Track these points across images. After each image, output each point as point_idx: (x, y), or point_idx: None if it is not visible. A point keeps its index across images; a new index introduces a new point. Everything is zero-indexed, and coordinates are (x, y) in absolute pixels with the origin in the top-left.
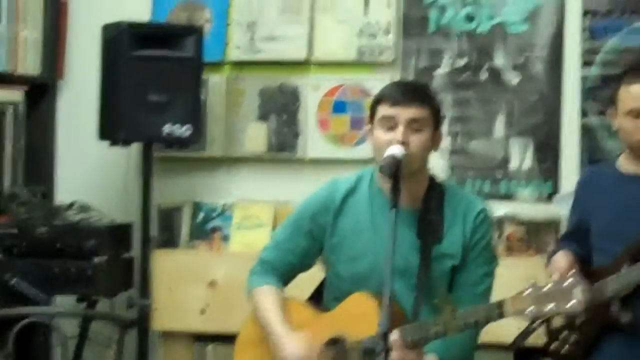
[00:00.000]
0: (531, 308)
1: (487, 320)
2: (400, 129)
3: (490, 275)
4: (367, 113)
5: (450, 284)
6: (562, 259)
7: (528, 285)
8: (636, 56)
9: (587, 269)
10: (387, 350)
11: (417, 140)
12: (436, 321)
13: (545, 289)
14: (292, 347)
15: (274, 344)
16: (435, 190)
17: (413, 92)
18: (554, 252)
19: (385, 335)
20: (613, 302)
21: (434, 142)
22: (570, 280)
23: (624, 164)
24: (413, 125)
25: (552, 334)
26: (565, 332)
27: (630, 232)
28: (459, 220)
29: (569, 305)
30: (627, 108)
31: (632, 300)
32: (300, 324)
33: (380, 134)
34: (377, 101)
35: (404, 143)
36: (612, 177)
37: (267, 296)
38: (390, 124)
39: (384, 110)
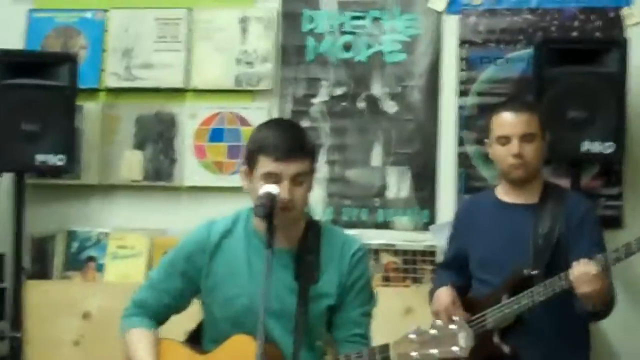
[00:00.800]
0: (415, 353)
1: None
2: (285, 185)
3: (368, 315)
4: (243, 151)
5: (328, 324)
6: (444, 295)
7: (412, 329)
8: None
9: (468, 300)
10: None
11: (300, 192)
12: None
13: (429, 334)
14: None
15: None
16: (312, 230)
17: (295, 146)
18: (435, 287)
19: None
20: (494, 333)
21: (312, 186)
22: (454, 326)
23: (501, 193)
24: (297, 179)
25: None
26: None
27: (507, 262)
28: (336, 260)
29: (452, 350)
30: (496, 135)
31: (512, 331)
32: None
33: (261, 185)
34: (258, 150)
35: (290, 200)
36: (490, 205)
37: (138, 340)
38: (274, 179)
39: (267, 165)
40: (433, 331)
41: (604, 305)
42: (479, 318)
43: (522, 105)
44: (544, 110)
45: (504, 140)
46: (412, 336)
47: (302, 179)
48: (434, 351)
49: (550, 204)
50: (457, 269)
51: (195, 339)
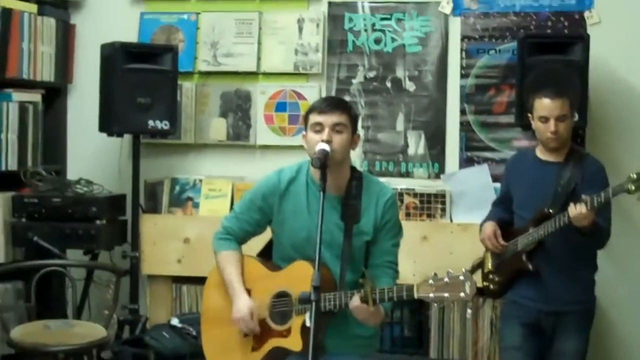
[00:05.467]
0: (432, 295)
1: (399, 299)
2: (326, 131)
3: (397, 245)
4: (301, 115)
5: (367, 254)
6: (488, 227)
7: (431, 275)
8: (543, 72)
9: (508, 231)
10: (318, 300)
11: (339, 139)
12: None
13: (443, 281)
14: (245, 300)
15: (233, 297)
16: (355, 180)
17: (334, 103)
18: (484, 220)
19: (316, 288)
20: (523, 254)
21: (353, 142)
22: (462, 277)
23: (539, 151)
24: (336, 128)
25: (485, 276)
26: (492, 275)
27: (536, 203)
28: (372, 205)
29: (460, 295)
30: (538, 115)
31: (535, 253)
32: (255, 279)
33: (312, 136)
34: (308, 112)
35: (329, 141)
36: (530, 160)
37: (229, 260)
38: (319, 128)
39: (313, 118)
40: (446, 279)
41: (591, 230)
42: (512, 242)
43: (557, 92)
44: (574, 94)
45: (544, 119)
46: (431, 282)
47: (341, 129)
48: (446, 294)
49: (572, 162)
50: (504, 206)
51: (267, 253)
